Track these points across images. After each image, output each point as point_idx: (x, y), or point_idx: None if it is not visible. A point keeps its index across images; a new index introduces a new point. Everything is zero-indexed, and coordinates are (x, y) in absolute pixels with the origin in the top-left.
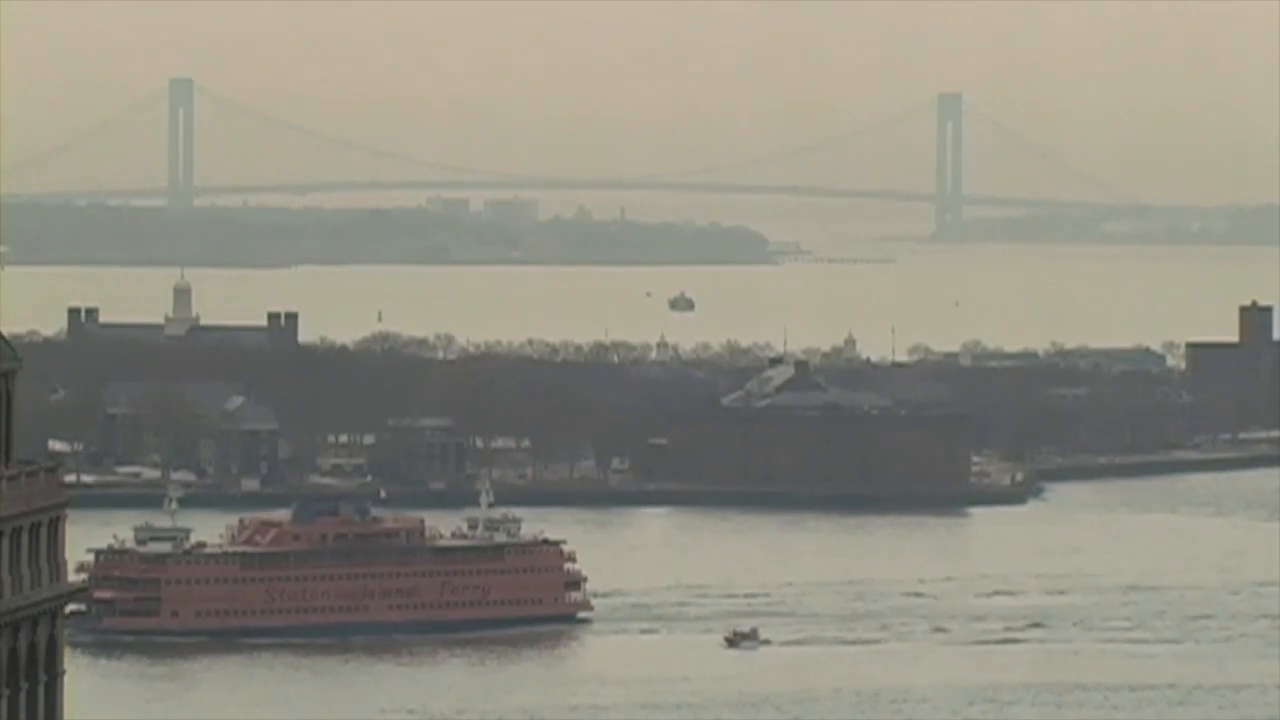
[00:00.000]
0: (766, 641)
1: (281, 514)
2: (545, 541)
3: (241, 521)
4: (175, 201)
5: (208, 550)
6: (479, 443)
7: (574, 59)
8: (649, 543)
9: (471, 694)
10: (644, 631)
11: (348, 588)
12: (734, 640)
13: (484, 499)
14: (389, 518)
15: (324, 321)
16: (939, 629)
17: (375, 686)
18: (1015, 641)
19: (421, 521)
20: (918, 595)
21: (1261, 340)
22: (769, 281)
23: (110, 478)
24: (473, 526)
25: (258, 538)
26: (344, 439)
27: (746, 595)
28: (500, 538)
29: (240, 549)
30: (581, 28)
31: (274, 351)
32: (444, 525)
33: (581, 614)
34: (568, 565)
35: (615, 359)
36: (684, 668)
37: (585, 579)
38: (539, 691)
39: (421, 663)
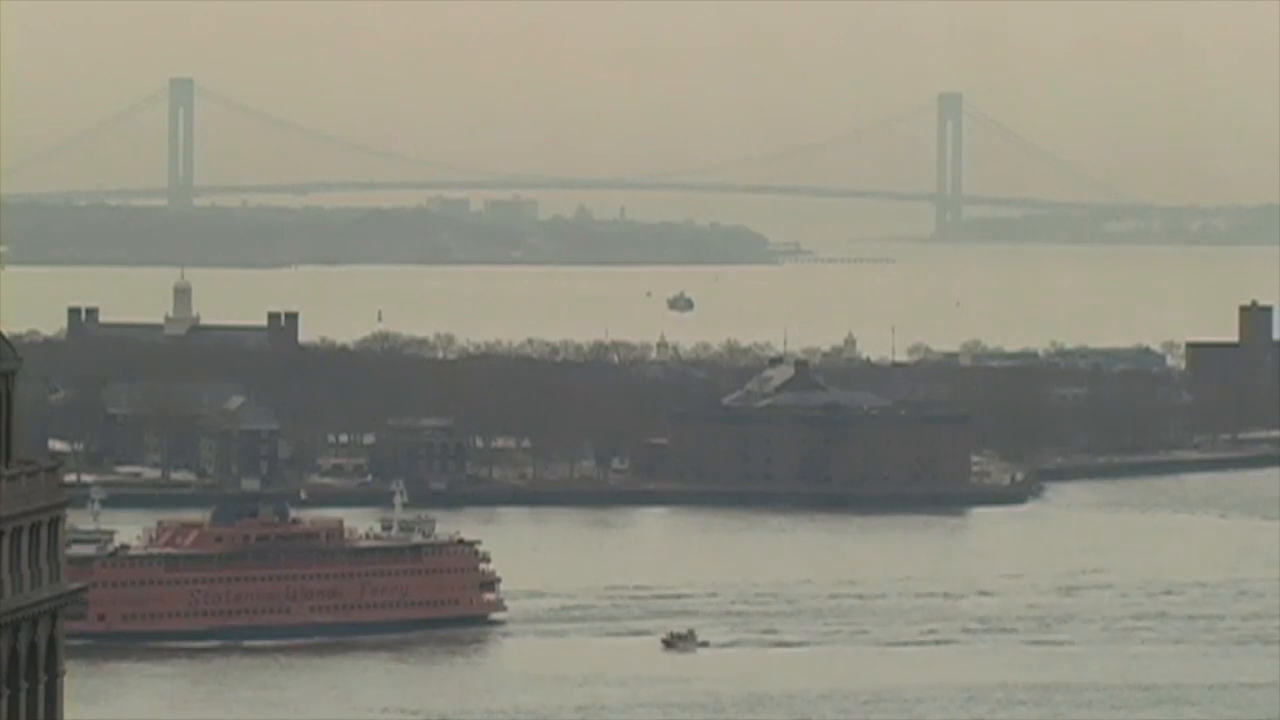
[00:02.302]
0: (704, 643)
1: (200, 515)
2: (460, 542)
3: (160, 523)
4: (175, 201)
5: (132, 552)
6: (479, 443)
7: (574, 59)
8: (651, 540)
9: (397, 696)
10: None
11: (270, 589)
12: (671, 642)
13: (397, 500)
14: (307, 519)
15: (324, 321)
16: (930, 629)
17: (309, 688)
18: (1015, 641)
19: (340, 522)
20: (908, 595)
21: (1261, 340)
22: (770, 281)
23: (110, 477)
24: (386, 527)
25: (179, 539)
26: (344, 439)
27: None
28: (416, 538)
29: (165, 551)
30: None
31: (274, 351)
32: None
33: (494, 615)
34: (482, 566)
35: (615, 359)
36: (620, 669)
37: (499, 580)
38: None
39: (345, 664)
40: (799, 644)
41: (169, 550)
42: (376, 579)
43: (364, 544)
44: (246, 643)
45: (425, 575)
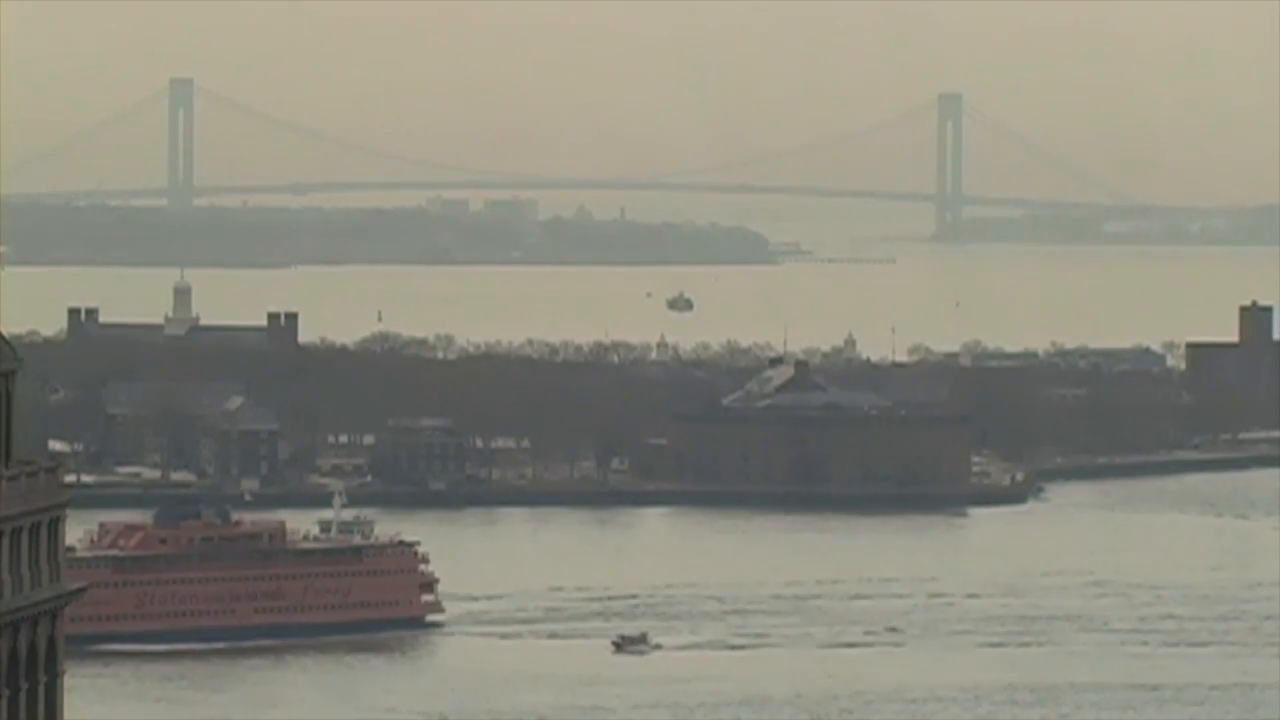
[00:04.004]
0: (658, 646)
1: (141, 516)
2: (401, 543)
3: (102, 525)
4: (175, 201)
5: (78, 554)
6: (479, 443)
7: (574, 59)
8: (649, 541)
9: (332, 699)
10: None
11: (216, 591)
12: (621, 644)
13: (336, 501)
14: (248, 520)
15: (324, 321)
16: (927, 630)
17: (263, 691)
18: (1015, 643)
19: (283, 524)
20: (906, 595)
21: (1261, 340)
22: (769, 282)
23: (110, 478)
24: (325, 529)
25: (123, 541)
26: (344, 439)
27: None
28: (356, 539)
29: (111, 553)
30: (582, 28)
31: (274, 351)
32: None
33: (431, 617)
34: (421, 567)
35: (615, 359)
36: (571, 671)
37: (438, 580)
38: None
39: (290, 666)
40: (765, 645)
41: (115, 553)
42: (318, 580)
43: (305, 545)
44: (194, 645)
45: (366, 577)
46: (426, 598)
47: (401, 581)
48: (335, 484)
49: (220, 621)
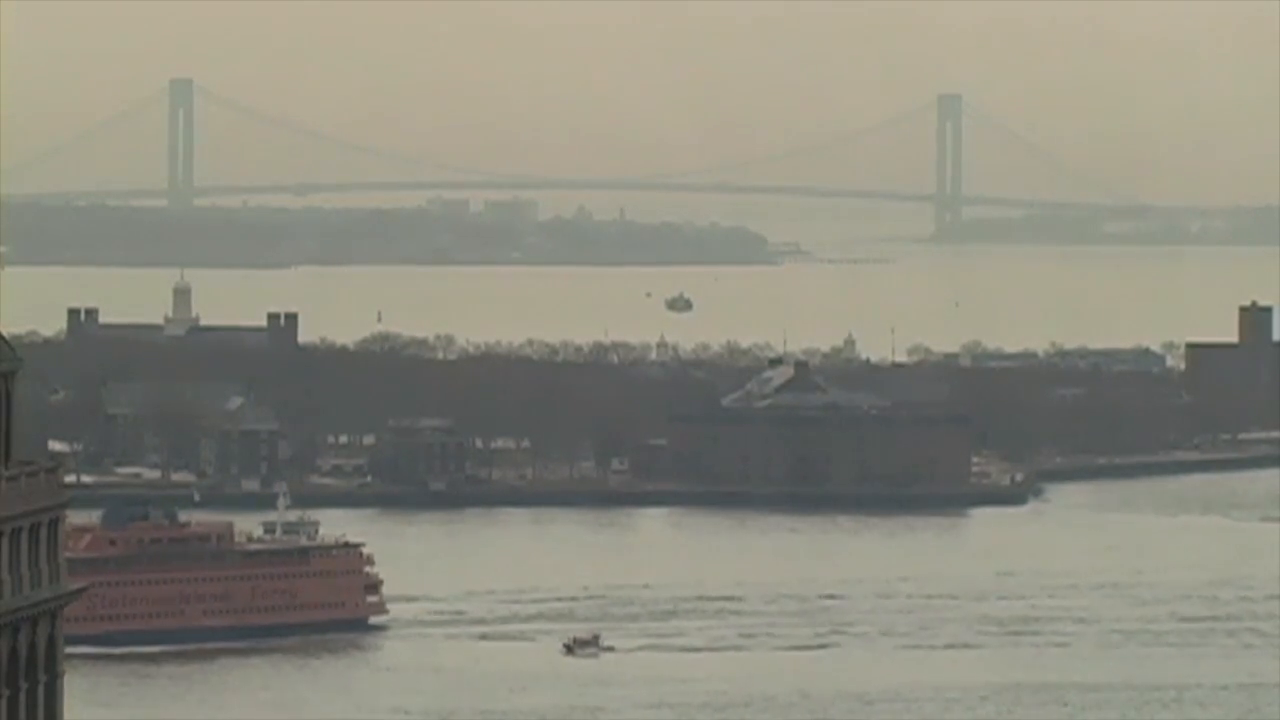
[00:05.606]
0: (610, 648)
1: (88, 518)
2: (346, 545)
3: None
4: (175, 201)
5: None
6: (479, 443)
7: (574, 59)
8: (648, 541)
9: (281, 704)
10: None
11: (164, 592)
12: (572, 647)
13: (281, 501)
14: (195, 521)
15: (324, 321)
16: (929, 630)
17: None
18: (1016, 643)
19: (230, 525)
20: (906, 596)
21: (1261, 340)
22: (769, 281)
23: (110, 478)
24: (269, 530)
25: (71, 543)
26: (344, 439)
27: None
28: (302, 540)
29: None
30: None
31: (274, 351)
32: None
33: (375, 618)
34: (367, 569)
35: (615, 359)
36: (514, 672)
37: (382, 582)
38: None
39: (234, 669)
40: (764, 647)
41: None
42: (265, 582)
43: (252, 547)
44: (143, 649)
45: (312, 578)
46: (371, 599)
47: (347, 583)
48: (280, 485)
49: (168, 624)
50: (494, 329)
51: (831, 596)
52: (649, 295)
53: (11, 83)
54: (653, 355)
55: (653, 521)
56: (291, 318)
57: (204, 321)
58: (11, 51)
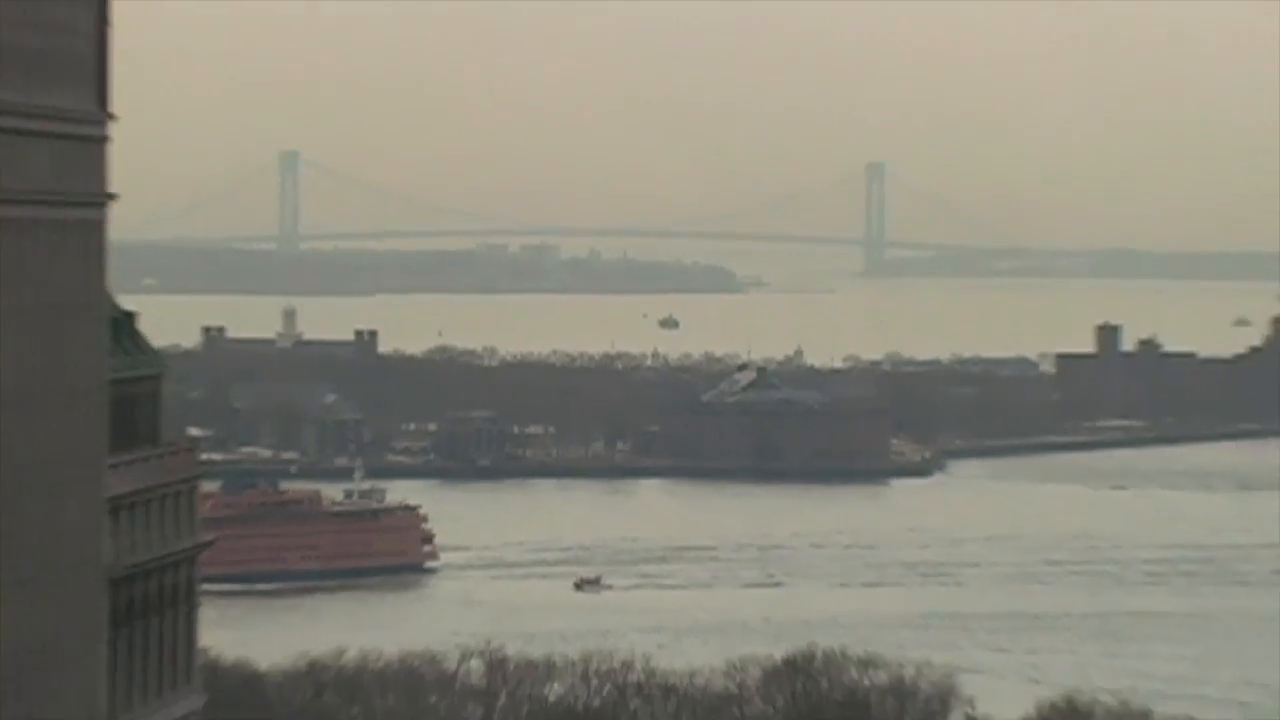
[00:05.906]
0: (609, 586)
1: (211, 487)
2: (406, 507)
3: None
4: (283, 245)
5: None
6: (516, 429)
7: (590, 136)
8: (646, 504)
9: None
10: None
11: (269, 544)
12: (580, 585)
13: (357, 474)
14: (291, 489)
15: (398, 337)
16: (858, 573)
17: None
18: (925, 582)
19: (318, 492)
20: (840, 546)
21: (1112, 351)
22: (737, 307)
23: (234, 456)
24: (349, 495)
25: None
26: (413, 426)
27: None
28: (372, 504)
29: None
30: (595, 111)
31: (359, 360)
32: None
33: (430, 564)
34: (423, 525)
35: (619, 366)
36: (536, 604)
37: (434, 535)
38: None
39: (324, 602)
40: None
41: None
42: (345, 535)
43: (335, 509)
44: (259, 586)
45: (381, 533)
46: (426, 548)
47: (408, 536)
48: (357, 461)
49: (275, 567)
50: (527, 342)
51: (782, 547)
52: (645, 316)
53: (160, 153)
54: (648, 362)
55: (648, 490)
56: (373, 334)
57: (306, 337)
58: (161, 128)
